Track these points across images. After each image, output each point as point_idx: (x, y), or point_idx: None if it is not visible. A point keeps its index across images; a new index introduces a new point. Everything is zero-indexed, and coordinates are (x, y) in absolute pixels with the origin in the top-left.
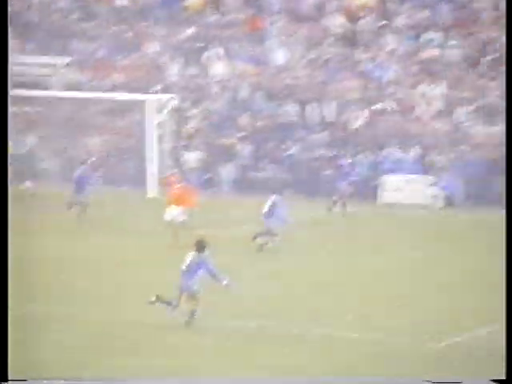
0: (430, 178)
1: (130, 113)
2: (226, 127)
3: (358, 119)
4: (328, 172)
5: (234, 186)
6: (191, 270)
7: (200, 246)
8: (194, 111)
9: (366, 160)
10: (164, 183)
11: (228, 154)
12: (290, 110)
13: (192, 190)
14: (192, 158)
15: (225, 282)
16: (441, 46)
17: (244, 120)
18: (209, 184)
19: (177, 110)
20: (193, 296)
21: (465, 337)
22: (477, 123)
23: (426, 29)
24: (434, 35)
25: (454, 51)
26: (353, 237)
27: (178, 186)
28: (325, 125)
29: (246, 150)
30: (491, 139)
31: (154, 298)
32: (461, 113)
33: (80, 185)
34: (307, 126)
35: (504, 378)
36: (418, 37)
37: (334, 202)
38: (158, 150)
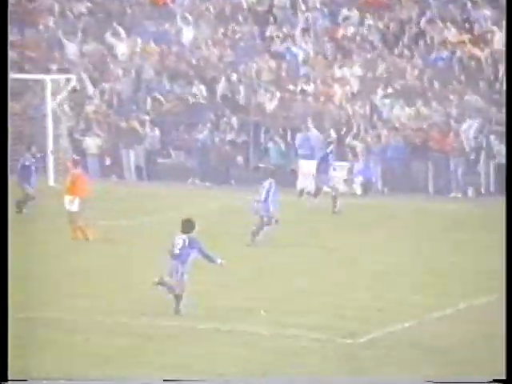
0: (347, 164)
1: (26, 95)
2: (130, 110)
3: (272, 101)
4: (240, 158)
5: (138, 173)
6: (184, 253)
7: (188, 227)
8: (95, 92)
9: (280, 145)
10: (63, 170)
11: (132, 139)
12: (198, 91)
13: (85, 178)
14: (92, 142)
15: (219, 261)
16: (357, 24)
17: (149, 102)
18: (111, 171)
19: (76, 91)
20: (183, 281)
21: (386, 332)
22: (395, 106)
23: (342, 7)
24: (350, 13)
25: (371, 31)
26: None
27: (72, 173)
28: (236, 108)
29: (151, 134)
30: (410, 122)
31: (157, 279)
32: (378, 95)
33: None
34: (217, 108)
35: (504, 378)
36: (333, 15)
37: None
38: (56, 135)
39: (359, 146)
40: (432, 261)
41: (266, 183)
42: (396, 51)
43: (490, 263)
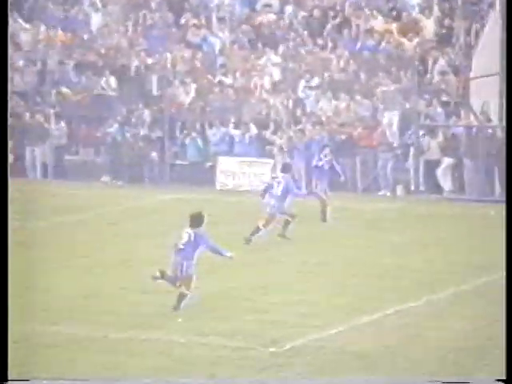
0: (269, 160)
1: None
2: (34, 103)
3: (188, 94)
4: (154, 155)
5: (43, 171)
6: (189, 249)
7: (196, 222)
8: None
9: (197, 140)
10: None
11: (36, 135)
12: (107, 83)
13: None
14: None
15: (229, 254)
16: (278, 12)
17: (54, 95)
18: (13, 169)
19: None
20: (188, 278)
21: (311, 338)
22: (319, 99)
23: None
24: (270, 1)
25: (293, 19)
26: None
27: None
28: (149, 100)
29: (57, 129)
30: (335, 116)
31: (158, 274)
32: (301, 87)
33: None
34: (128, 101)
35: (504, 378)
36: (252, 2)
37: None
38: None
39: (281, 142)
40: (360, 262)
41: (280, 178)
42: (320, 41)
43: (423, 263)
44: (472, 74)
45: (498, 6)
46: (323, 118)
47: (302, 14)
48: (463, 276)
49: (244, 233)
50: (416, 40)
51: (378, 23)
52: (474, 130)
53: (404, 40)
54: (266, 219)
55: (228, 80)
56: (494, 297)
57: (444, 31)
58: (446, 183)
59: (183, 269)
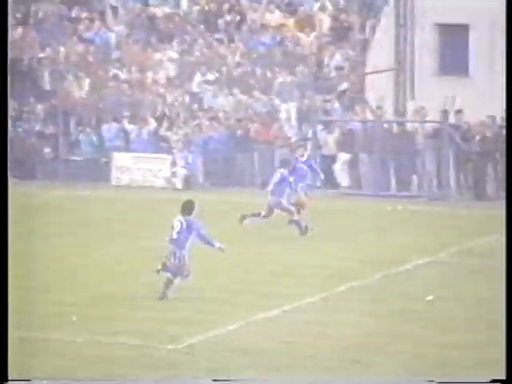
0: (166, 156)
1: None
2: None
3: (82, 88)
4: (48, 151)
5: None
6: (181, 237)
7: (188, 209)
8: None
9: (92, 136)
10: None
11: None
12: None
13: None
14: None
15: (218, 245)
16: (173, 5)
17: None
18: None
19: None
20: (182, 267)
21: (210, 335)
22: (216, 94)
23: None
24: None
25: (189, 12)
26: (90, 224)
27: None
28: (41, 95)
29: None
30: (233, 111)
31: (160, 267)
32: (197, 82)
33: None
34: (19, 96)
35: (504, 378)
36: None
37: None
38: None
39: (178, 137)
40: (259, 260)
41: (278, 173)
42: (216, 35)
43: (322, 260)
44: (367, 69)
45: (391, 2)
46: (220, 114)
47: (198, 7)
48: (359, 271)
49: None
50: (313, 35)
51: (275, 18)
52: (370, 125)
53: (300, 35)
54: (266, 210)
55: (123, 75)
56: (393, 291)
57: (340, 26)
58: (343, 178)
59: (177, 257)
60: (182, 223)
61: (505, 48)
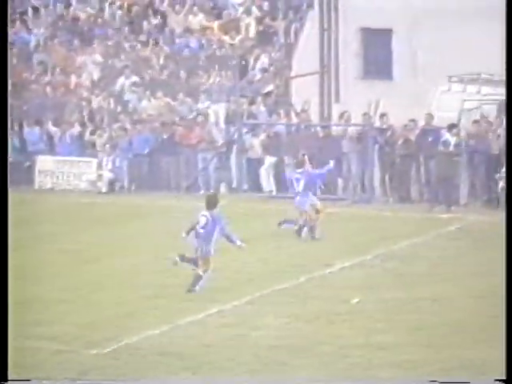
0: (91, 160)
1: None
2: None
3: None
4: None
5: None
6: (207, 231)
7: (212, 203)
8: None
9: (14, 140)
10: None
11: None
12: None
13: None
14: None
15: (239, 243)
16: (97, 8)
17: None
18: None
19: None
20: (206, 260)
21: (134, 339)
22: (140, 97)
23: None
24: None
25: (112, 14)
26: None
27: None
28: None
29: None
30: (157, 115)
31: (177, 258)
32: (122, 85)
33: None
34: None
35: (504, 378)
36: None
37: None
38: None
39: (103, 140)
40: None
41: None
42: (140, 38)
43: (247, 263)
44: (293, 73)
45: (316, 7)
46: (145, 117)
47: (122, 10)
48: (284, 274)
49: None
50: (238, 38)
51: (198, 21)
52: (295, 128)
53: (225, 38)
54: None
55: (46, 78)
56: (318, 294)
57: (265, 30)
58: (269, 182)
59: (203, 251)
60: (207, 217)
61: (505, 47)
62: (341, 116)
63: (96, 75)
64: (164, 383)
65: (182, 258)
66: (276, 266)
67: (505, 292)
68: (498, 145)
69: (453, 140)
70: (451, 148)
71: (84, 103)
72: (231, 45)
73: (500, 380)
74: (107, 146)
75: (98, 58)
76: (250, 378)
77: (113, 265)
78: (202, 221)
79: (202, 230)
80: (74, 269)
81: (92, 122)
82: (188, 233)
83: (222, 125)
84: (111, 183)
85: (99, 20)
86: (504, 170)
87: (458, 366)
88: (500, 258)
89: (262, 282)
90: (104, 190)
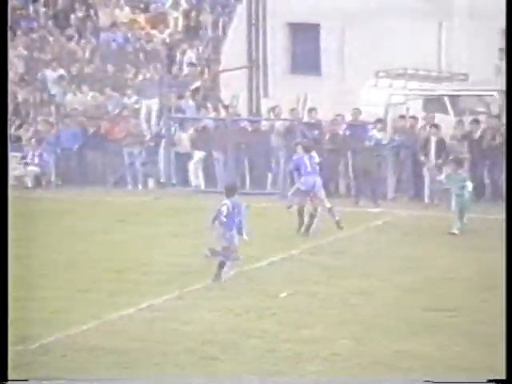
0: (16, 154)
1: None
2: None
3: None
4: None
5: None
6: (230, 219)
7: (231, 191)
8: None
9: None
10: None
11: None
12: None
13: None
14: None
15: (245, 237)
16: (23, 0)
17: None
18: None
19: None
20: (231, 248)
21: (62, 335)
22: (67, 91)
23: None
24: None
25: (37, 7)
26: None
27: None
28: None
29: None
30: (84, 109)
31: (208, 252)
32: (48, 78)
33: None
34: None
35: (504, 378)
36: None
37: None
38: None
39: (29, 135)
40: (113, 257)
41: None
42: (66, 31)
43: (178, 257)
44: (221, 68)
45: (244, 1)
46: (71, 111)
47: (48, 4)
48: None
49: None
50: (166, 32)
51: (125, 14)
52: (223, 123)
53: (153, 32)
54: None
55: None
56: (247, 288)
57: (192, 24)
58: (198, 176)
59: (227, 239)
60: (228, 206)
61: (505, 48)
62: (271, 110)
63: (21, 69)
64: (95, 379)
65: (213, 253)
66: (208, 260)
67: (505, 292)
68: (420, 140)
69: (379, 135)
70: (377, 143)
71: (10, 97)
72: (159, 39)
73: (500, 380)
74: (33, 140)
75: (23, 51)
76: (180, 373)
77: (46, 259)
78: (224, 209)
79: (224, 219)
80: None
81: (17, 116)
82: (213, 222)
83: (146, 119)
84: (37, 178)
85: (24, 13)
86: (443, 175)
87: (383, 360)
88: (427, 251)
89: (194, 276)
90: (30, 184)
